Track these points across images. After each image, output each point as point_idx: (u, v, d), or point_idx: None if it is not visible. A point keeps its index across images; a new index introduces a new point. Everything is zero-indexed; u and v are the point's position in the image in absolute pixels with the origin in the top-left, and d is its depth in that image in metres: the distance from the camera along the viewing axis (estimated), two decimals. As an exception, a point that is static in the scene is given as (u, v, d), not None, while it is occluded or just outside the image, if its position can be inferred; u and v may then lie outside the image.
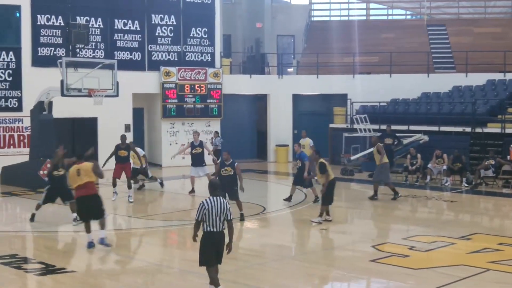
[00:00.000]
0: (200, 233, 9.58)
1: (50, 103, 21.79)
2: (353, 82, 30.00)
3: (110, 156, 19.22)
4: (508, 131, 23.51)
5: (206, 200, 9.46)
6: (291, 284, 10.70)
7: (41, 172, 21.35)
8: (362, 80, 30.08)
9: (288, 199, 18.63)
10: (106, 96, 20.79)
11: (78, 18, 25.72)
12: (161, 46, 28.00)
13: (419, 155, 22.94)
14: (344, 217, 17.06)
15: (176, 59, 28.29)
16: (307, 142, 23.29)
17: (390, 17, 39.43)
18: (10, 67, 25.15)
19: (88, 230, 13.09)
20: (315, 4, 38.00)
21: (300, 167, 18.50)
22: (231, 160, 15.72)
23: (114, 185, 19.02)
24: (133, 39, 27.39)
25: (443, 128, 25.03)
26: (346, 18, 37.44)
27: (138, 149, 20.58)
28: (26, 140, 24.88)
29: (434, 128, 25.15)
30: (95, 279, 11.07)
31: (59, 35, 25.65)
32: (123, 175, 19.07)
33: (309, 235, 14.99)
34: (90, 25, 25.74)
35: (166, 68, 27.80)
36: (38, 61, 25.39)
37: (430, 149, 23.21)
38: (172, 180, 23.45)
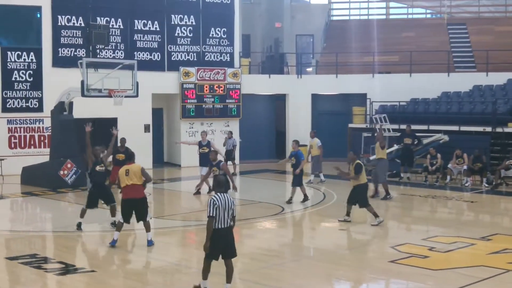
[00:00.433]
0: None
1: (71, 104, 21.93)
2: (372, 81, 29.88)
3: (112, 159, 19.10)
4: (529, 130, 23.33)
5: (215, 196, 9.62)
6: (309, 284, 10.69)
7: (61, 172, 21.52)
8: (381, 79, 29.95)
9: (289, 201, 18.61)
10: (126, 96, 20.87)
11: (98, 18, 25.87)
12: (180, 46, 28.07)
13: (439, 155, 22.81)
14: (363, 218, 17.00)
15: (195, 59, 28.35)
16: (315, 142, 23.35)
17: (410, 16, 39.23)
18: (31, 67, 25.35)
19: (119, 229, 13.21)
20: (334, 3, 37.88)
21: (294, 164, 18.41)
22: (218, 160, 15.65)
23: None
24: (153, 39, 27.49)
25: (463, 128, 24.86)
26: (365, 17, 37.29)
27: None
28: (46, 141, 25.08)
29: (455, 128, 24.98)
30: (114, 279, 11.13)
31: (80, 35, 25.79)
32: None
33: (327, 236, 14.96)
34: (110, 26, 25.87)
35: (185, 68, 27.86)
36: (59, 61, 25.56)
37: (450, 149, 23.06)
38: (191, 180, 23.50)
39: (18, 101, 25.21)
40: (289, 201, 18.47)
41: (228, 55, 29.09)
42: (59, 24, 25.67)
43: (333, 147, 28.46)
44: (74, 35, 25.87)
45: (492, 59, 29.07)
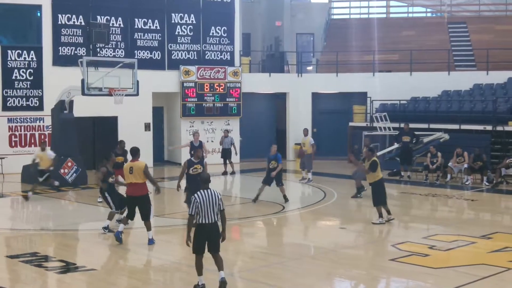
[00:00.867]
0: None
1: (71, 102, 21.95)
2: (373, 80, 29.87)
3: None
4: (529, 129, 23.34)
5: (197, 194, 9.89)
6: (310, 283, 10.69)
7: (62, 170, 21.52)
8: (382, 78, 29.93)
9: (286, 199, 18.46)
10: (126, 95, 20.88)
11: (98, 17, 25.87)
12: (180, 45, 28.06)
13: (439, 154, 22.81)
14: (364, 216, 17.01)
15: (195, 58, 28.35)
16: (307, 140, 23.03)
17: (410, 15, 39.23)
18: (31, 66, 25.35)
19: (125, 222, 13.42)
20: (334, 2, 37.87)
21: (272, 169, 18.23)
22: (201, 158, 15.50)
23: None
24: (153, 38, 27.49)
25: (463, 127, 24.86)
26: (366, 15, 37.30)
27: (49, 152, 19.88)
28: (47, 139, 25.04)
29: (455, 127, 24.98)
30: (115, 277, 11.14)
31: (80, 34, 25.80)
32: None
33: (328, 234, 14.96)
34: (110, 25, 25.85)
35: (186, 67, 27.86)
36: (59, 60, 25.57)
37: (451, 147, 23.07)
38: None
39: (19, 100, 25.21)
40: (256, 199, 18.31)
41: (228, 53, 29.08)
42: (60, 22, 25.66)
43: (333, 145, 28.51)
44: (75, 33, 25.87)
45: (493, 57, 29.06)
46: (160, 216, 16.87)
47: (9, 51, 25.04)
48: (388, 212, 15.67)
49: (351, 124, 29.43)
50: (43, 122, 25.32)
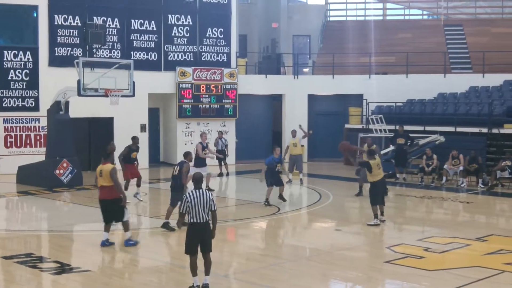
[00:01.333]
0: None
1: (67, 103, 21.91)
2: (369, 82, 29.91)
3: (124, 157, 18.73)
4: (525, 132, 23.37)
5: (189, 193, 10.01)
6: (306, 284, 10.69)
7: (57, 171, 21.49)
8: (378, 80, 29.97)
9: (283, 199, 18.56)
10: (122, 96, 20.87)
11: (95, 18, 25.83)
12: (177, 46, 28.05)
13: (435, 156, 22.83)
14: (359, 218, 17.02)
15: (192, 59, 28.34)
16: (297, 140, 23.25)
17: (406, 17, 39.23)
18: (27, 67, 25.31)
19: (106, 229, 13.19)
20: (331, 4, 37.90)
21: (278, 171, 18.44)
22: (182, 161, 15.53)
23: (127, 188, 18.76)
24: (150, 39, 27.47)
25: (459, 129, 24.90)
26: (362, 18, 37.33)
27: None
28: (42, 140, 25.02)
29: (451, 129, 25.02)
30: (109, 278, 11.12)
31: (76, 35, 25.76)
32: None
33: (323, 236, 14.96)
34: (107, 25, 25.85)
35: (182, 68, 27.85)
36: (55, 61, 25.53)
37: (446, 150, 23.09)
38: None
39: (14, 100, 25.17)
40: (268, 202, 18.33)
41: (224, 55, 29.08)
42: (56, 23, 25.63)
43: (329, 147, 28.52)
44: (71, 34, 25.83)
45: (489, 60, 29.12)
46: (155, 217, 16.86)
47: (5, 52, 25.00)
48: (381, 213, 15.71)
49: (347, 126, 29.48)
50: (39, 122, 25.28)
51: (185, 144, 27.98)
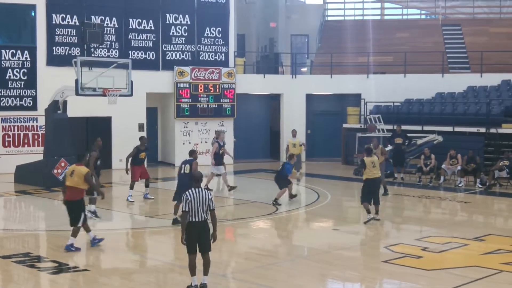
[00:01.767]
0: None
1: (65, 102, 21.89)
2: (367, 82, 29.91)
3: (130, 158, 18.74)
4: (523, 131, 23.39)
5: (188, 191, 10.00)
6: (304, 284, 10.69)
7: (55, 171, 21.47)
8: (376, 80, 29.98)
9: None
10: (120, 95, 20.87)
11: (93, 17, 25.84)
12: (175, 45, 28.04)
13: (433, 156, 22.84)
14: (357, 217, 17.02)
15: (190, 58, 28.32)
16: (297, 140, 23.39)
17: (404, 17, 39.25)
18: (25, 66, 25.29)
19: (86, 230, 13.16)
20: (329, 3, 37.89)
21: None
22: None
23: (132, 187, 18.86)
24: (148, 38, 27.46)
25: (457, 129, 24.92)
26: (360, 17, 37.33)
27: None
28: (40, 139, 25.02)
29: (448, 129, 25.04)
30: (107, 277, 11.12)
31: (74, 34, 25.75)
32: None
33: (321, 235, 14.97)
34: (105, 25, 25.84)
35: (180, 68, 27.84)
36: (53, 60, 25.51)
37: (444, 149, 23.11)
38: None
39: (12, 100, 25.14)
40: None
41: (223, 54, 29.07)
42: (54, 22, 25.61)
43: (327, 147, 28.54)
44: (69, 33, 25.82)
45: (487, 60, 29.13)
46: (153, 217, 16.86)
47: (3, 51, 24.97)
48: (376, 212, 15.75)
49: (345, 125, 29.47)
50: (37, 122, 25.26)
51: (183, 143, 28.02)
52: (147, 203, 18.83)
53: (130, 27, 27.10)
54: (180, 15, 28.08)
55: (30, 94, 25.36)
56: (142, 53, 27.30)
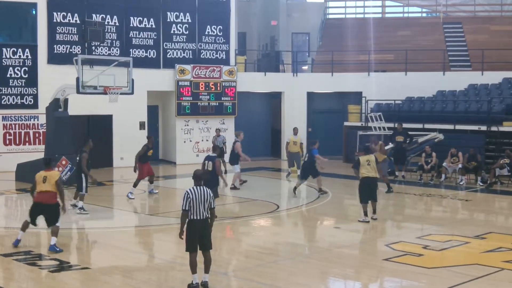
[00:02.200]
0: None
1: (66, 101, 21.89)
2: (368, 80, 29.88)
3: (140, 156, 18.95)
4: (524, 129, 23.39)
5: (190, 189, 10.02)
6: (304, 282, 10.70)
7: (56, 169, 21.43)
8: (377, 78, 29.94)
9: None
10: (121, 93, 20.86)
11: (94, 15, 25.85)
12: (176, 44, 28.04)
13: (434, 154, 22.86)
14: (358, 216, 17.01)
15: (191, 56, 28.32)
16: (298, 138, 23.48)
17: (406, 15, 39.24)
18: (26, 64, 25.29)
19: (23, 228, 13.13)
20: (330, 1, 37.87)
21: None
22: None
23: (136, 185, 18.95)
24: (149, 36, 27.45)
25: (458, 127, 24.91)
26: (361, 15, 37.33)
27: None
28: (41, 137, 25.01)
29: (449, 127, 25.03)
30: (108, 275, 11.12)
31: (75, 32, 25.74)
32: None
33: (322, 233, 14.98)
34: (106, 23, 25.82)
35: (181, 66, 27.83)
36: (54, 58, 25.51)
37: (445, 147, 23.12)
38: (186, 178, 23.46)
39: (13, 98, 25.15)
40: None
41: (223, 52, 29.05)
42: (55, 20, 25.60)
43: (328, 145, 28.45)
44: (70, 32, 25.81)
45: (488, 58, 29.11)
46: (154, 215, 16.87)
47: (4, 49, 24.96)
48: (373, 211, 15.80)
49: (346, 123, 29.45)
50: (38, 120, 25.25)
51: (184, 141, 28.04)
52: (147, 201, 18.83)
53: (131, 25, 27.09)
54: (181, 13, 28.07)
55: (31, 92, 25.37)
56: (143, 51, 27.29)
